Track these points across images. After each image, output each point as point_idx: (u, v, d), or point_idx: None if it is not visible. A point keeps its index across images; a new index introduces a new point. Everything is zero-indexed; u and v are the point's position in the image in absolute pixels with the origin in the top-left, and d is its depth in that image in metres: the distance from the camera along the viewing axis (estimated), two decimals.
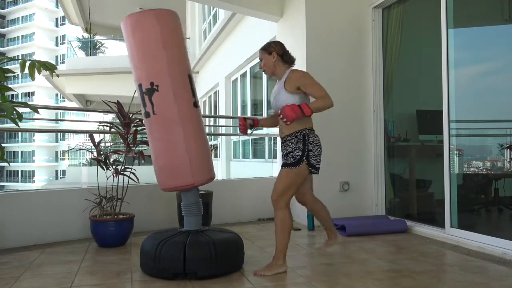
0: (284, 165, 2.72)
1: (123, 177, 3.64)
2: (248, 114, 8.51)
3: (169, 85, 2.66)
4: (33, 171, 45.63)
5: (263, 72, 2.92)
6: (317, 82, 2.69)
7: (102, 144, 3.80)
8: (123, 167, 3.65)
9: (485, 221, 4.05)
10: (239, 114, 9.05)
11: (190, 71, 2.84)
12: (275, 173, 5.27)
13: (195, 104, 2.78)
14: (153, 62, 2.68)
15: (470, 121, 3.91)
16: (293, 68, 2.86)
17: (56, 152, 47.06)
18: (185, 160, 2.66)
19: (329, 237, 3.05)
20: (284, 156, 2.77)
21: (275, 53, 2.81)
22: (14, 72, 2.84)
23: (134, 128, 3.71)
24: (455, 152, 3.74)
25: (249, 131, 3.04)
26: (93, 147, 3.72)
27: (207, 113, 12.38)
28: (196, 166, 2.69)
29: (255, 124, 3.02)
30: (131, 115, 3.72)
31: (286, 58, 2.85)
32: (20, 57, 29.35)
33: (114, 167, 3.68)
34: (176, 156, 2.67)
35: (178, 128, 2.66)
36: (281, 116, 2.61)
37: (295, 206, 4.64)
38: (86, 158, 15.55)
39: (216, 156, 10.46)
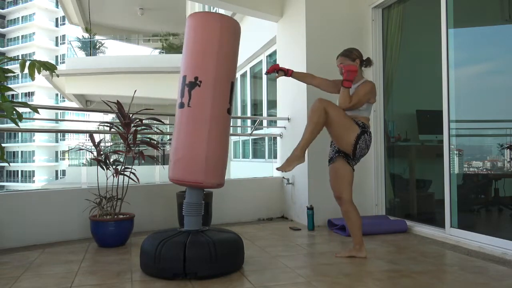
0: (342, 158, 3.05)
1: (123, 177, 3.64)
2: (248, 114, 8.51)
3: (211, 85, 2.72)
4: (33, 171, 45.62)
5: (347, 80, 2.99)
6: (364, 96, 2.95)
7: (102, 144, 3.80)
8: (123, 167, 3.65)
9: (485, 221, 4.05)
10: (239, 114, 9.05)
11: (234, 79, 2.90)
12: (275, 173, 5.28)
13: (228, 111, 2.83)
14: (204, 59, 2.75)
15: (470, 121, 3.91)
16: (368, 79, 3.08)
17: (56, 152, 47.05)
18: (202, 159, 2.68)
19: (354, 248, 3.11)
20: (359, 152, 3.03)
21: (358, 60, 3.01)
22: (14, 72, 2.85)
23: (134, 128, 3.71)
24: (455, 152, 3.74)
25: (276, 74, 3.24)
26: (93, 147, 3.72)
27: None
28: (210, 167, 2.71)
29: (287, 74, 3.19)
30: (131, 115, 3.72)
31: (366, 64, 3.07)
32: (20, 57, 29.34)
33: (114, 167, 3.68)
34: (195, 152, 2.69)
35: (206, 127, 2.70)
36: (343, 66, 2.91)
37: (296, 206, 4.65)
38: (86, 158, 15.55)
39: None
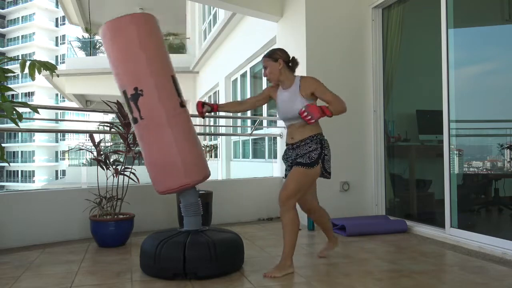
0: (298, 164, 2.71)
1: (123, 177, 3.64)
2: (248, 114, 8.51)
3: (153, 88, 2.66)
4: (33, 171, 45.64)
5: (268, 80, 2.93)
6: (326, 88, 2.74)
7: (102, 144, 3.80)
8: (123, 167, 3.65)
9: (485, 221, 4.05)
10: (239, 114, 9.04)
11: (173, 71, 2.84)
12: (275, 173, 5.28)
13: (182, 104, 2.78)
14: (133, 66, 2.68)
15: (470, 121, 3.91)
16: (301, 75, 2.86)
17: (56, 152, 47.06)
18: (178, 162, 2.66)
19: (329, 244, 3.12)
20: (300, 157, 2.73)
21: (281, 60, 2.81)
22: (14, 72, 2.85)
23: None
24: (455, 152, 3.74)
25: (206, 113, 3.01)
26: (93, 147, 3.72)
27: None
28: (189, 166, 2.69)
29: (213, 109, 2.97)
30: None
31: (292, 65, 2.87)
32: (20, 57, 29.31)
33: (114, 167, 3.68)
34: (168, 159, 2.67)
35: (167, 130, 2.66)
36: (306, 114, 2.59)
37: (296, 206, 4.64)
38: (86, 158, 15.56)
39: (216, 156, 10.46)
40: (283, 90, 2.85)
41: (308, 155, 2.71)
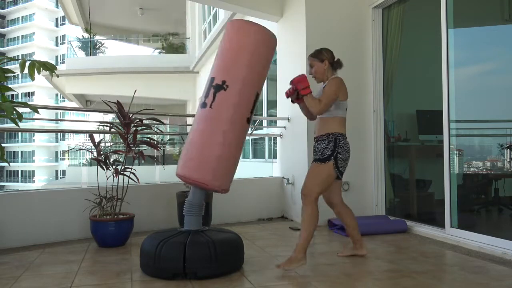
0: (313, 161, 2.89)
1: (123, 177, 3.64)
2: None
3: (237, 92, 2.73)
4: (33, 171, 45.62)
5: (314, 78, 3.02)
6: (333, 93, 2.84)
7: (102, 144, 3.80)
8: (123, 167, 3.65)
9: (485, 221, 4.05)
10: None
11: (260, 90, 2.91)
12: (275, 173, 5.28)
13: (248, 120, 2.83)
14: (235, 66, 2.78)
15: (470, 121, 3.91)
16: (336, 75, 2.99)
17: (56, 152, 47.05)
18: (213, 160, 2.68)
19: (354, 247, 3.11)
20: (316, 154, 2.92)
21: (327, 61, 2.96)
22: (14, 72, 2.85)
23: (134, 128, 3.71)
24: (455, 152, 3.74)
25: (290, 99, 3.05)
26: (93, 147, 3.71)
27: None
28: (219, 170, 2.70)
29: (299, 101, 2.99)
30: (131, 115, 3.72)
31: (336, 65, 3.01)
32: (20, 57, 29.36)
33: (114, 167, 3.68)
34: (207, 153, 2.69)
35: (222, 130, 2.70)
36: (296, 76, 2.83)
37: (296, 206, 4.65)
38: (86, 158, 15.55)
39: None
40: (321, 86, 3.03)
41: (322, 151, 2.85)
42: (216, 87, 2.74)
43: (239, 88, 2.74)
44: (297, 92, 2.89)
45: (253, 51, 2.80)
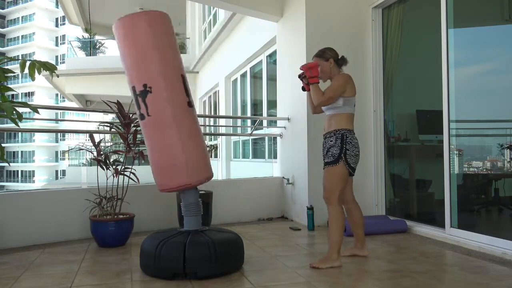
0: (325, 165, 2.92)
1: (123, 177, 3.64)
2: (248, 114, 8.51)
3: (162, 86, 2.67)
4: (33, 171, 45.63)
5: (319, 78, 2.97)
6: (338, 87, 2.86)
7: (102, 144, 3.80)
8: (123, 167, 3.65)
9: (485, 221, 4.05)
10: (239, 114, 9.05)
11: (183, 70, 2.85)
12: (275, 173, 5.28)
13: (190, 104, 2.78)
14: (145, 63, 2.70)
15: (470, 121, 3.91)
16: (342, 72, 3.02)
17: (56, 152, 47.06)
18: (181, 161, 2.67)
19: (355, 246, 3.12)
20: (325, 154, 2.94)
21: (332, 60, 2.98)
22: (14, 72, 2.85)
23: (134, 128, 3.71)
24: (455, 152, 3.74)
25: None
26: (93, 147, 3.72)
27: (207, 113, 12.38)
28: (192, 166, 2.69)
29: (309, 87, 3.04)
30: (131, 115, 3.72)
31: (341, 62, 3.03)
32: (20, 57, 29.36)
33: (114, 167, 3.68)
34: (172, 157, 2.68)
35: (173, 129, 2.67)
36: (307, 63, 2.92)
37: (296, 206, 4.65)
38: (86, 158, 15.55)
39: (216, 156, 10.46)
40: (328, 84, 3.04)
41: (331, 152, 2.88)
42: (142, 93, 2.68)
43: (163, 83, 2.68)
44: (306, 78, 2.96)
45: (154, 40, 2.69)
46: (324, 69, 2.97)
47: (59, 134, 44.55)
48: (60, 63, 44.32)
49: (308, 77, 2.89)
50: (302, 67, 2.94)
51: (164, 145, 2.69)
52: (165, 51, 2.74)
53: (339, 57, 3.02)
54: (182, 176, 2.68)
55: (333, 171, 2.86)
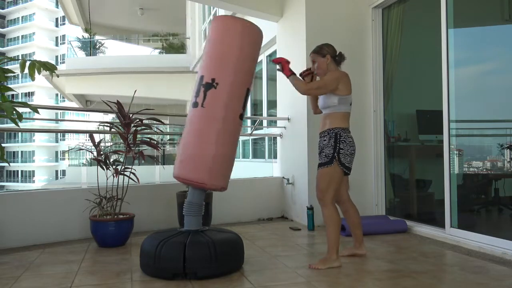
0: (319, 166, 2.89)
1: (123, 177, 3.64)
2: (248, 114, 8.52)
3: (227, 88, 2.73)
4: (33, 171, 45.61)
5: (316, 74, 3.04)
6: (329, 81, 2.87)
7: (102, 144, 3.80)
8: (123, 167, 3.65)
9: (485, 221, 4.05)
10: None
11: (250, 85, 2.91)
12: (275, 173, 5.28)
13: (241, 116, 2.83)
14: (223, 62, 2.77)
15: (470, 121, 3.91)
16: (339, 70, 3.02)
17: (56, 152, 47.04)
18: (209, 160, 2.68)
19: (354, 246, 3.12)
20: (319, 154, 2.93)
21: (329, 56, 2.97)
22: (14, 72, 2.85)
23: (134, 128, 3.71)
24: (455, 152, 3.74)
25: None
26: (93, 147, 3.72)
27: None
28: (215, 169, 2.71)
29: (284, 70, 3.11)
30: (131, 115, 3.72)
31: (339, 59, 3.02)
32: (20, 57, 29.36)
33: (114, 167, 3.68)
34: (202, 153, 2.69)
35: (216, 129, 2.71)
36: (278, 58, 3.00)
37: (296, 206, 4.65)
38: (86, 158, 15.55)
39: None
40: None
41: (324, 152, 2.86)
42: (206, 85, 2.73)
43: (229, 85, 2.73)
44: (308, 76, 3.02)
45: (241, 47, 2.79)
46: (321, 65, 2.96)
47: (59, 134, 44.53)
48: (60, 63, 44.29)
49: (282, 67, 2.96)
50: (274, 60, 3.02)
51: (201, 139, 2.71)
52: (245, 60, 2.82)
53: (337, 54, 3.01)
54: (203, 174, 2.69)
55: (327, 172, 2.84)
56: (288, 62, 2.98)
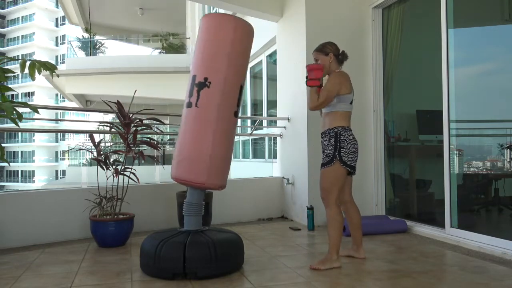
0: (321, 166, 2.90)
1: (123, 177, 3.64)
2: (248, 114, 8.52)
3: (220, 86, 2.73)
4: (33, 171, 45.61)
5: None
6: (332, 88, 2.85)
7: (102, 144, 3.80)
8: (123, 167, 3.65)
9: (485, 221, 4.05)
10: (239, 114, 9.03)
11: (243, 82, 2.90)
12: (275, 173, 5.28)
13: (236, 114, 2.83)
14: (215, 60, 2.76)
15: (470, 121, 3.91)
16: (341, 69, 3.01)
17: (56, 152, 47.03)
18: (206, 160, 2.69)
19: (353, 248, 3.10)
20: (322, 154, 2.93)
21: (332, 54, 2.96)
22: (14, 72, 2.85)
23: (134, 128, 3.71)
24: (455, 152, 3.74)
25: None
26: (93, 147, 3.72)
27: None
28: (213, 169, 2.71)
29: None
30: (131, 115, 3.72)
31: (341, 58, 3.02)
32: (20, 57, 29.35)
33: (114, 167, 3.68)
34: (199, 153, 2.70)
35: (212, 128, 2.71)
36: (312, 65, 2.91)
37: (296, 206, 4.65)
38: (86, 158, 15.55)
39: None
40: (325, 80, 3.02)
41: (325, 152, 2.87)
42: (199, 85, 2.74)
43: (222, 83, 2.73)
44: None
45: (232, 43, 2.77)
46: (323, 63, 2.96)
47: (59, 134, 44.53)
48: (60, 63, 44.29)
49: (309, 78, 2.87)
50: (307, 67, 2.92)
51: (197, 139, 2.71)
52: (237, 57, 2.81)
53: (340, 52, 3.00)
54: (201, 174, 2.69)
55: (329, 172, 2.84)
56: (319, 78, 2.87)
